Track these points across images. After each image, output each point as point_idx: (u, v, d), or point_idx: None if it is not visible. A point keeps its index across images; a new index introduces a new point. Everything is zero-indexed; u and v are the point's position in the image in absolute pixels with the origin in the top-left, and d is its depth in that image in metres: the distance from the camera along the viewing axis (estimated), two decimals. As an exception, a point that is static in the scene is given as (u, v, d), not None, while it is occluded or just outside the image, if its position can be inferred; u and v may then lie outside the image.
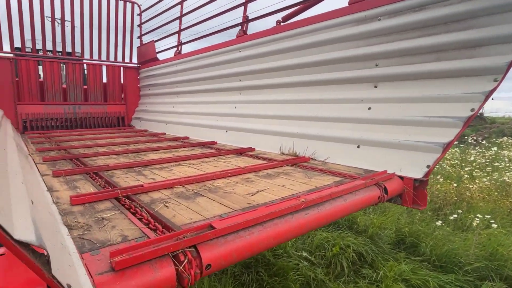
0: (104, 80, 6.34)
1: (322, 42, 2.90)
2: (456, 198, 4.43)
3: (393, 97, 2.40)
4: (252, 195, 1.68)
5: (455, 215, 3.75)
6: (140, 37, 6.73)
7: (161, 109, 5.74)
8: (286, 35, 3.27)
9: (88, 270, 0.89)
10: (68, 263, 0.84)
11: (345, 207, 1.63)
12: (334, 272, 2.99)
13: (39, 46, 5.73)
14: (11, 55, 5.34)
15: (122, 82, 6.56)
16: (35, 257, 0.55)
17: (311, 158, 2.73)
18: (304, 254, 3.30)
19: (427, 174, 2.04)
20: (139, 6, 6.58)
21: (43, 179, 2.00)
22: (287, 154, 2.98)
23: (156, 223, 1.26)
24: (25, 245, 0.53)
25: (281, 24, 3.41)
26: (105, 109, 6.27)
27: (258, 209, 1.34)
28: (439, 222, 3.68)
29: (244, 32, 3.96)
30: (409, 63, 2.33)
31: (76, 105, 5.93)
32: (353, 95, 2.71)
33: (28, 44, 5.69)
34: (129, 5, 6.40)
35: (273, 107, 3.45)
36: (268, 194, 1.70)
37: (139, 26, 6.68)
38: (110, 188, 1.79)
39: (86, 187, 1.83)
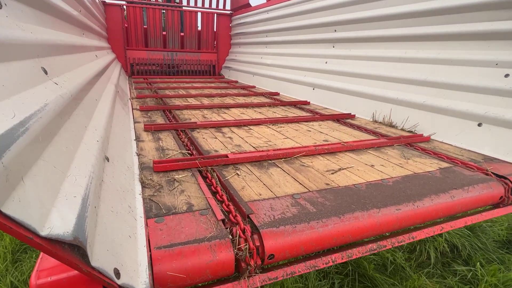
0: (199, 27, 6.48)
1: None
2: None
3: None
4: (333, 173, 1.47)
5: None
6: (234, -20, 6.49)
7: (250, 59, 5.63)
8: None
9: (148, 241, 0.87)
10: (128, 233, 0.83)
11: (451, 206, 1.29)
12: (418, 260, 2.66)
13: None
14: (123, 2, 5.80)
15: (215, 30, 6.61)
16: (69, 250, 0.49)
17: (411, 132, 2.28)
18: (384, 232, 3.01)
19: None
20: None
21: (134, 127, 2.14)
22: (380, 123, 2.57)
23: (224, 194, 1.19)
24: (55, 242, 0.47)
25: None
26: (198, 57, 6.51)
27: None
28: None
29: (347, -29, 3.36)
30: None
31: (174, 52, 6.29)
32: (483, 56, 2.07)
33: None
34: None
35: (371, 64, 2.96)
36: (352, 175, 1.46)
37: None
38: (192, 151, 1.75)
39: (168, 140, 1.88)
